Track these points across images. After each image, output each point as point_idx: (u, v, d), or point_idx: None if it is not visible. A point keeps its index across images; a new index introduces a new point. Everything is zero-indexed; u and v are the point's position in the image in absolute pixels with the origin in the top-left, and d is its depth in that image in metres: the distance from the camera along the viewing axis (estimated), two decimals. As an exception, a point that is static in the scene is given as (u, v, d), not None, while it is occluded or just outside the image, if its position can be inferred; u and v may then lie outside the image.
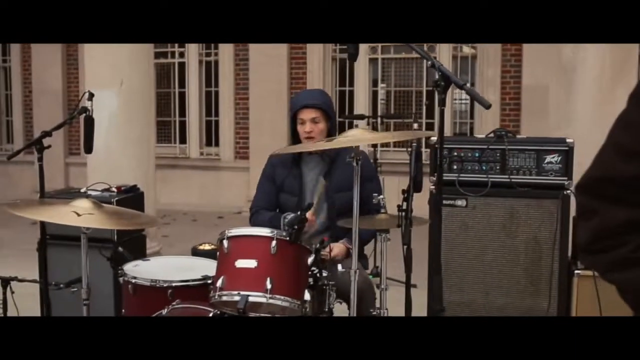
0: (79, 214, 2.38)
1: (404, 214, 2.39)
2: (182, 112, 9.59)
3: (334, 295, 2.57)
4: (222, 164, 9.44)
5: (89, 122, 2.59)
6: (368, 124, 5.81)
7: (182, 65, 9.51)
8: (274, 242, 2.31)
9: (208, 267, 2.98)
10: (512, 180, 3.10)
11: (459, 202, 3.16)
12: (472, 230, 3.19)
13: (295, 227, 2.30)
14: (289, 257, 2.34)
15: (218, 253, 2.46)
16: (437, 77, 1.89)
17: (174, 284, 2.74)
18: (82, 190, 3.79)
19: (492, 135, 3.21)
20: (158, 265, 3.09)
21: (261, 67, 8.89)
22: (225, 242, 2.37)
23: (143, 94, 5.46)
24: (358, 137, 2.37)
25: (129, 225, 2.56)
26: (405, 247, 2.40)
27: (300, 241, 2.36)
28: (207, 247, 5.15)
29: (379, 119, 5.60)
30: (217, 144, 9.52)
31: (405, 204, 2.39)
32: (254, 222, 3.09)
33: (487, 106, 1.89)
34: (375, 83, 8.92)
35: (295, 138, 3.16)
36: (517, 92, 8.34)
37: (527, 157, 3.10)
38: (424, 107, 8.64)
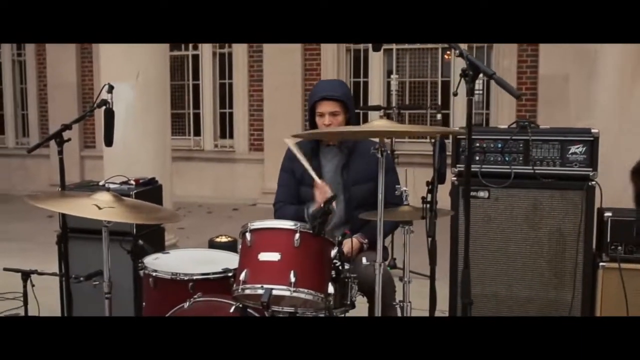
0: (100, 207, 2.36)
1: (428, 205, 2.36)
2: (196, 105, 9.59)
3: (356, 288, 2.54)
4: (236, 156, 9.43)
5: (109, 115, 2.57)
6: (384, 114, 5.75)
7: (195, 58, 9.50)
8: (297, 235, 2.28)
9: (228, 259, 2.97)
10: (536, 171, 3.05)
11: (481, 194, 3.12)
12: (495, 222, 3.14)
13: (319, 219, 2.27)
14: (312, 250, 2.32)
15: (240, 246, 2.44)
16: (465, 66, 1.85)
17: (194, 277, 2.73)
18: (101, 183, 3.79)
19: (514, 125, 3.15)
20: (178, 258, 3.08)
21: (275, 58, 8.86)
22: (248, 235, 2.35)
23: (159, 86, 5.46)
24: (385, 126, 2.32)
25: (149, 220, 2.54)
26: (429, 239, 2.37)
27: (324, 234, 2.33)
28: (223, 239, 5.14)
29: (395, 110, 5.53)
30: (231, 136, 9.51)
31: (429, 195, 2.36)
32: (279, 217, 3.06)
33: (517, 96, 1.85)
34: (390, 74, 8.85)
35: (313, 129, 3.13)
36: (534, 82, 8.25)
37: (551, 147, 3.05)
38: (439, 98, 8.58)
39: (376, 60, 8.78)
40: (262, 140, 9.25)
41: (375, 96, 8.74)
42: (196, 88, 9.56)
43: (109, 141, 2.60)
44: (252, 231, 2.35)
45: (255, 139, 9.38)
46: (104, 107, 2.58)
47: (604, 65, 4.44)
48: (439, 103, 8.41)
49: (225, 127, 9.57)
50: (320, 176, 3.05)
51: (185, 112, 9.69)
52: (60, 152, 2.67)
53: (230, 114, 9.47)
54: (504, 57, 8.28)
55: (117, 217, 2.35)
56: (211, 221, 7.87)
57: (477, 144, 3.11)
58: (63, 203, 2.39)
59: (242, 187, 9.28)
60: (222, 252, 3.22)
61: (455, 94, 2.04)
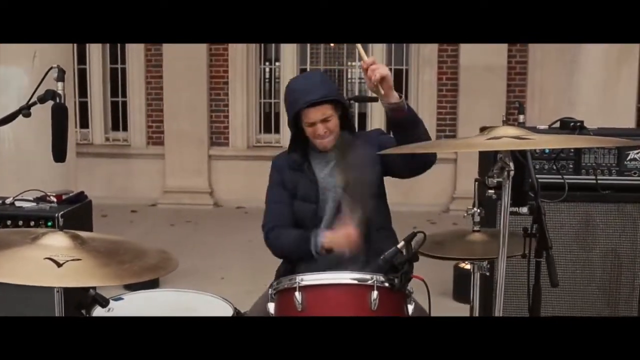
0: (59, 264, 1.49)
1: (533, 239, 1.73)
2: (83, 92, 8.35)
3: None
4: (132, 151, 8.36)
5: (61, 114, 1.68)
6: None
7: (81, 38, 8.25)
8: (374, 294, 1.55)
9: (210, 304, 2.18)
10: (589, 181, 2.52)
11: (523, 210, 2.54)
12: (538, 242, 2.60)
13: (404, 266, 1.56)
14: (392, 312, 1.60)
15: (274, 307, 1.67)
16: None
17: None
18: (8, 201, 2.81)
19: (557, 125, 2.60)
20: (139, 306, 2.23)
21: (177, 41, 7.88)
22: (297, 296, 1.58)
23: (61, 70, 4.42)
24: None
25: (137, 274, 1.60)
26: (531, 286, 1.75)
27: (406, 288, 1.63)
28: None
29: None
30: (125, 129, 8.42)
31: (536, 226, 1.73)
32: (275, 244, 2.30)
33: None
34: (303, 60, 8.19)
35: (298, 140, 2.40)
36: (454, 72, 7.97)
37: (606, 153, 2.54)
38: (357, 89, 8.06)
39: (289, 46, 8.08)
40: (162, 133, 8.25)
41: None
42: (82, 73, 8.31)
43: (59, 153, 1.68)
44: (303, 289, 1.58)
45: (153, 131, 8.35)
46: (51, 102, 1.69)
47: (586, 53, 4.04)
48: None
49: (118, 118, 8.45)
50: (317, 188, 2.34)
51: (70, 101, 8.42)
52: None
53: (124, 103, 8.36)
54: (425, 46, 7.90)
55: (91, 278, 1.50)
56: (109, 227, 6.78)
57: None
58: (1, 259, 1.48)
59: (140, 185, 8.23)
60: (194, 294, 2.40)
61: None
